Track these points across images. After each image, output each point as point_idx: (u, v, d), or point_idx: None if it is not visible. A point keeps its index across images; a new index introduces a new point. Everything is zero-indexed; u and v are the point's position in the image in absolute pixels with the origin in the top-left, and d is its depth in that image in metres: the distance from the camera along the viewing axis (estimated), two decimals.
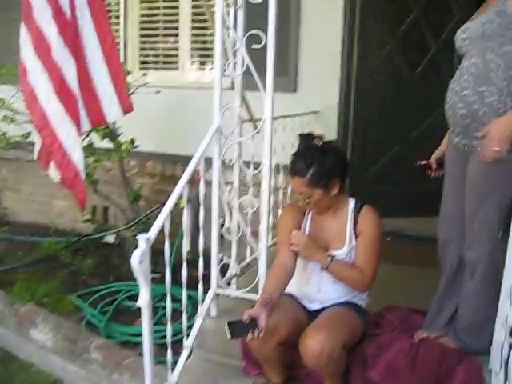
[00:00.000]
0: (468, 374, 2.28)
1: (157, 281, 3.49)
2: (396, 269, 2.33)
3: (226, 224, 2.80)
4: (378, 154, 4.41)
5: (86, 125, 2.51)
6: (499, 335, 2.30)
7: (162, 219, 2.17)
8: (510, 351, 2.02)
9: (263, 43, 2.40)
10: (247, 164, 2.88)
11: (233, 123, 2.73)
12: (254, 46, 2.44)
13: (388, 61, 4.34)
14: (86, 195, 2.50)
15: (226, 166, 2.73)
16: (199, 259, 2.60)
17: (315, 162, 2.25)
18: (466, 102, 2.22)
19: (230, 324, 2.01)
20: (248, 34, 2.43)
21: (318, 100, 4.29)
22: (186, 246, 2.46)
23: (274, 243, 3.07)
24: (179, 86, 4.78)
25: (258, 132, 3.15)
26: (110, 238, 4.81)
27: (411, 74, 4.40)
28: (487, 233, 2.27)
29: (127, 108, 2.66)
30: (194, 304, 3.10)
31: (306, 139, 2.37)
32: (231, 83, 4.27)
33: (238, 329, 2.01)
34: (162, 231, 2.18)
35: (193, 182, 2.47)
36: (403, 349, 2.38)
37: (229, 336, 2.00)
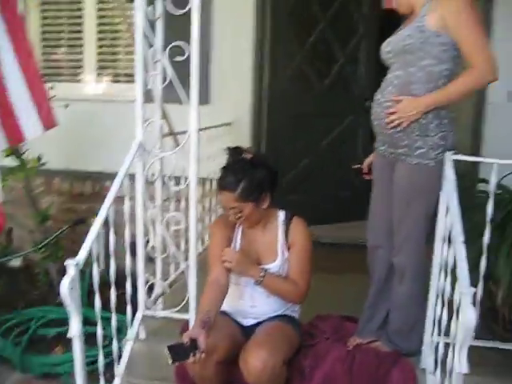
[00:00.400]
0: (403, 374, 2.34)
1: None
2: (317, 277, 2.38)
3: (151, 242, 2.69)
4: (291, 164, 4.45)
5: (1, 143, 2.31)
6: (429, 336, 2.38)
7: (90, 242, 2.04)
8: (445, 351, 2.09)
9: (186, 55, 2.34)
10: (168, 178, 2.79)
11: (154, 138, 2.63)
12: (178, 58, 2.36)
13: (298, 73, 4.42)
14: (4, 218, 2.31)
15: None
16: (126, 279, 2.48)
17: (245, 176, 2.22)
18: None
19: (170, 348, 1.92)
20: (171, 45, 2.36)
21: (231, 112, 4.28)
22: (113, 267, 2.33)
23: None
24: (87, 100, 4.59)
25: (179, 146, 3.11)
26: (16, 262, 4.50)
27: (320, 86, 4.50)
28: (415, 238, 2.34)
29: (49, 123, 2.48)
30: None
31: (235, 153, 2.34)
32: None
33: (178, 352, 1.93)
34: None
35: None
36: (339, 357, 2.40)
37: (170, 361, 1.91)
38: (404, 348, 2.45)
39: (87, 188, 4.48)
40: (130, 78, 4.69)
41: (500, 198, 2.52)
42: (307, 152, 4.48)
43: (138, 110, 2.45)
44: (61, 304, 3.78)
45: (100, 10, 4.69)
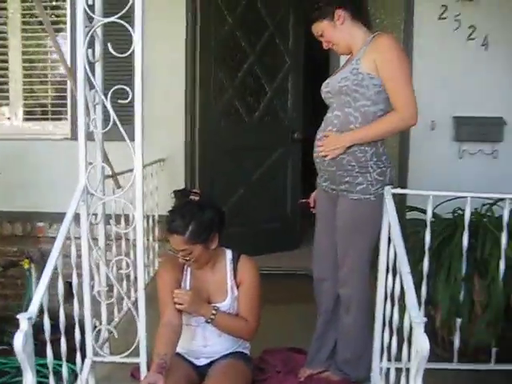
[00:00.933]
0: None
1: (6, 353, 3.17)
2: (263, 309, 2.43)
3: (96, 287, 2.63)
4: (225, 197, 4.48)
5: None
6: (377, 363, 2.47)
7: (41, 294, 1.98)
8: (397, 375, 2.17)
9: (129, 98, 2.34)
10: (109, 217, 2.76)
11: (96, 180, 2.59)
12: (121, 101, 2.36)
13: (229, 106, 4.50)
14: None
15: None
16: (75, 325, 2.40)
17: (193, 218, 2.24)
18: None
19: None
20: (114, 88, 2.35)
21: (165, 148, 4.29)
22: (62, 315, 2.26)
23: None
24: (14, 138, 4.45)
25: (119, 187, 3.08)
26: None
27: (250, 118, 4.60)
28: (359, 270, 2.43)
29: None
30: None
31: (182, 195, 2.35)
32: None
33: None
34: None
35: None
36: None
37: None
38: (353, 376, 2.52)
39: (17, 229, 4.32)
40: (56, 115, 4.62)
41: (433, 225, 2.66)
42: (240, 185, 4.55)
43: (81, 153, 2.40)
44: None
45: (25, 46, 4.58)
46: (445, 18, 4.14)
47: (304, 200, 2.78)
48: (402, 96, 2.30)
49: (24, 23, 4.58)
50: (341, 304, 2.51)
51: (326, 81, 2.49)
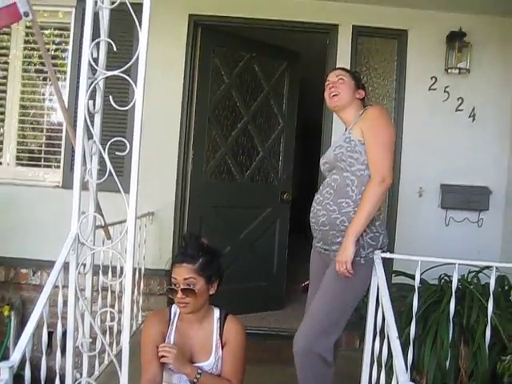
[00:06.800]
0: None
1: None
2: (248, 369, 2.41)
3: (79, 338, 2.58)
4: None
5: None
6: None
7: (25, 342, 1.95)
8: None
9: (127, 151, 2.38)
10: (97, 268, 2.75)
11: (88, 229, 2.60)
12: (118, 153, 2.39)
13: (221, 164, 4.57)
14: None
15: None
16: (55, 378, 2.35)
17: (204, 254, 2.30)
18: (326, 210, 2.46)
19: None
20: (113, 140, 2.38)
21: (155, 200, 4.30)
22: (43, 364, 2.21)
23: None
24: (3, 182, 4.45)
25: (110, 239, 3.08)
26: None
27: (242, 177, 4.65)
28: (319, 326, 2.41)
29: None
30: None
31: (192, 237, 2.41)
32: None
33: None
34: None
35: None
36: None
37: None
38: None
39: (0, 275, 4.25)
40: (49, 162, 4.63)
41: (420, 291, 2.68)
42: (228, 242, 4.52)
43: (75, 202, 2.41)
44: None
45: (22, 92, 4.65)
46: (434, 89, 4.28)
47: (307, 283, 2.79)
48: (373, 159, 2.40)
49: (24, 71, 4.66)
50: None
51: (322, 156, 2.64)
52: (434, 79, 4.28)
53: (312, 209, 2.56)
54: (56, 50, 4.65)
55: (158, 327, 2.35)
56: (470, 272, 3.04)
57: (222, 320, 2.38)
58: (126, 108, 2.37)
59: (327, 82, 2.61)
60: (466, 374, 2.64)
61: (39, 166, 4.66)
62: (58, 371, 2.34)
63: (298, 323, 2.56)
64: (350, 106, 2.56)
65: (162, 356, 2.22)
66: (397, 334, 2.04)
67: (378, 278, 2.34)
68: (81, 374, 2.61)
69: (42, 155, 4.67)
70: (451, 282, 2.63)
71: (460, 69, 4.21)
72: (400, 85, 4.34)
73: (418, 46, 4.31)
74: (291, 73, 4.84)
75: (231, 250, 4.55)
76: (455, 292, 2.59)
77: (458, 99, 4.28)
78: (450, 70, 4.23)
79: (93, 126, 2.53)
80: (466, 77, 4.26)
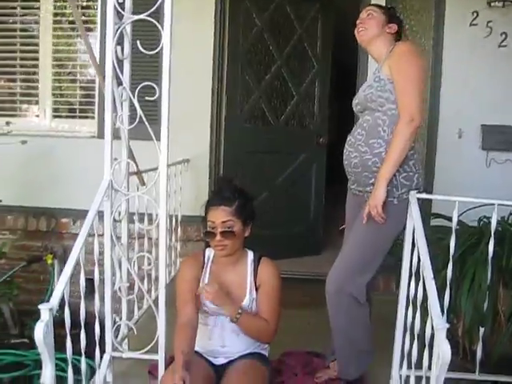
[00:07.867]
0: None
1: (26, 346, 3.19)
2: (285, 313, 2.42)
3: (117, 283, 2.64)
4: None
5: None
6: (397, 370, 2.44)
7: (63, 285, 1.99)
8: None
9: (157, 95, 2.36)
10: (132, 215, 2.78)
11: (121, 176, 2.61)
12: (148, 98, 2.37)
13: (255, 109, 4.52)
14: None
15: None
16: (94, 321, 2.40)
17: (240, 197, 2.31)
18: (358, 152, 2.41)
19: None
20: (142, 85, 2.36)
21: (190, 147, 4.30)
22: (82, 308, 2.26)
23: None
24: (41, 135, 4.51)
25: (144, 184, 3.10)
26: None
27: (276, 122, 4.59)
28: (352, 267, 2.42)
29: None
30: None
31: (226, 180, 2.45)
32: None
33: None
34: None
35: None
36: None
37: None
38: (342, 374, 2.51)
39: (42, 225, 4.37)
40: (84, 113, 4.67)
41: (458, 233, 2.61)
42: (263, 188, 4.52)
43: (107, 149, 2.43)
44: (16, 346, 3.66)
45: (55, 44, 4.65)
46: (476, 25, 4.08)
47: (344, 226, 2.75)
48: (401, 98, 2.31)
49: (55, 22, 4.65)
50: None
51: (354, 97, 2.56)
52: (475, 14, 4.07)
53: (344, 151, 2.51)
54: (88, 0, 4.61)
55: (192, 271, 2.38)
56: (510, 214, 2.95)
57: (256, 262, 2.39)
58: (154, 52, 2.33)
59: (358, 20, 2.52)
60: (504, 316, 2.59)
61: (75, 117, 4.71)
62: (97, 315, 2.39)
63: None
64: (378, 40, 2.46)
65: (203, 296, 2.24)
66: (432, 275, 2.01)
67: (414, 219, 2.29)
68: (120, 318, 2.68)
69: (77, 106, 4.71)
70: (490, 223, 2.56)
71: (505, 1, 3.98)
72: (439, 21, 4.15)
73: None
74: (325, 14, 4.68)
75: (268, 196, 4.55)
76: (494, 233, 2.52)
77: (502, 34, 4.07)
78: (492, 4, 4.01)
79: (122, 72, 2.52)
80: (510, 10, 4.03)
